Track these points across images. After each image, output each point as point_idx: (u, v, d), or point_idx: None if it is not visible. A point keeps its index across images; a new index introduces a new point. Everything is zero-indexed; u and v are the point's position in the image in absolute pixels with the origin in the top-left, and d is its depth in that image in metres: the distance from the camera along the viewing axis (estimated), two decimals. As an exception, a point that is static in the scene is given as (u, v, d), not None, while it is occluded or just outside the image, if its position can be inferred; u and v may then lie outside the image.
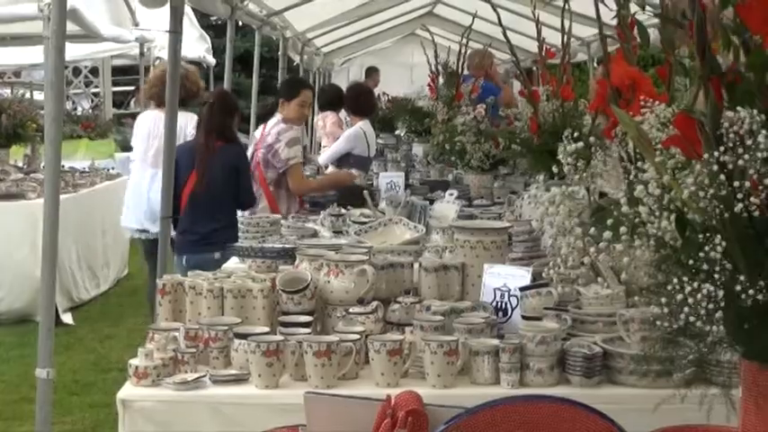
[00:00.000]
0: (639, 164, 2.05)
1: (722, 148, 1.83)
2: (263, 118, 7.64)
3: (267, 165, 6.63)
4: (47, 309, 4.45)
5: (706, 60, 1.89)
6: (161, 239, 6.42)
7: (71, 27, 6.43)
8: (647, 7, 2.17)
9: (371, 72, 16.74)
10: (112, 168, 12.05)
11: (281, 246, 4.30)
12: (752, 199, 1.81)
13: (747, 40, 1.90)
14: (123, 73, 18.26)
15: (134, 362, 3.20)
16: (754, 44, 1.89)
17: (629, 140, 2.18)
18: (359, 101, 8.86)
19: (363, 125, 8.63)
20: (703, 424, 2.40)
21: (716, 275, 1.83)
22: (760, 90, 1.88)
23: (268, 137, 6.67)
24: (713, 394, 2.20)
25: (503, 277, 3.62)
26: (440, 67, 9.67)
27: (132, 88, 17.21)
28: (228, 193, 6.19)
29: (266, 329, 3.36)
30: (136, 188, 7.50)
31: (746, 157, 1.81)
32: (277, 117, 6.80)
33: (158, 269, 6.30)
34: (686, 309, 1.83)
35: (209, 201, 6.16)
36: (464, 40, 9.08)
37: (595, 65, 11.65)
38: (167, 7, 6.18)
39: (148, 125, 7.51)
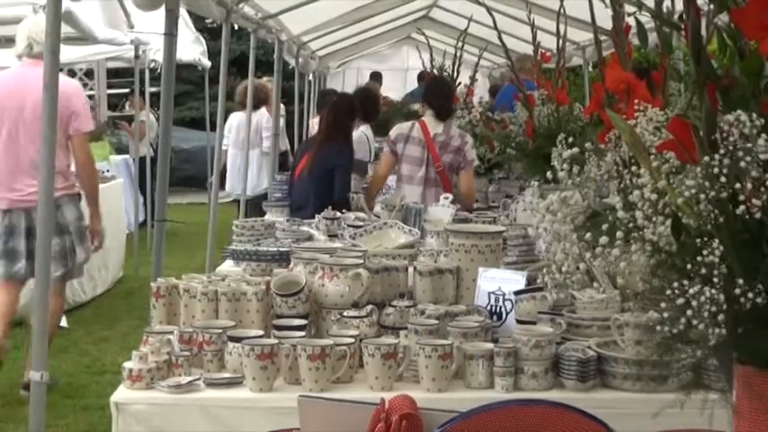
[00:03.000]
0: (634, 168, 2.05)
1: (722, 151, 1.84)
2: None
3: (451, 169, 6.69)
4: (41, 312, 4.44)
5: (701, 65, 1.90)
6: (156, 241, 6.41)
7: (66, 29, 6.42)
8: (642, 10, 2.17)
9: (375, 77, 16.69)
10: (107, 171, 12.04)
11: (275, 249, 4.30)
12: (754, 201, 1.81)
13: (742, 45, 1.91)
14: (118, 75, 18.24)
15: (128, 365, 3.19)
16: (748, 49, 1.90)
17: (624, 145, 2.18)
18: (364, 105, 8.85)
19: (365, 129, 8.64)
20: (697, 428, 2.40)
21: (714, 279, 1.83)
22: (754, 95, 1.88)
23: (452, 140, 6.69)
24: (711, 399, 2.20)
25: (497, 281, 3.63)
26: (435, 71, 9.68)
27: (127, 91, 17.18)
28: (326, 185, 6.53)
29: (260, 333, 3.36)
30: (233, 165, 11.02)
31: (748, 159, 1.81)
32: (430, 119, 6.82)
33: (154, 271, 6.29)
34: (689, 312, 1.84)
35: (310, 186, 6.62)
36: (459, 44, 9.10)
37: (590, 69, 11.67)
38: (162, 10, 6.17)
39: (238, 120, 10.86)
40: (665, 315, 1.88)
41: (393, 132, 6.99)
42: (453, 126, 6.85)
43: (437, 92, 7.01)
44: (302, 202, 6.53)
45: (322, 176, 6.65)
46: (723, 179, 1.82)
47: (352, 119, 7.14)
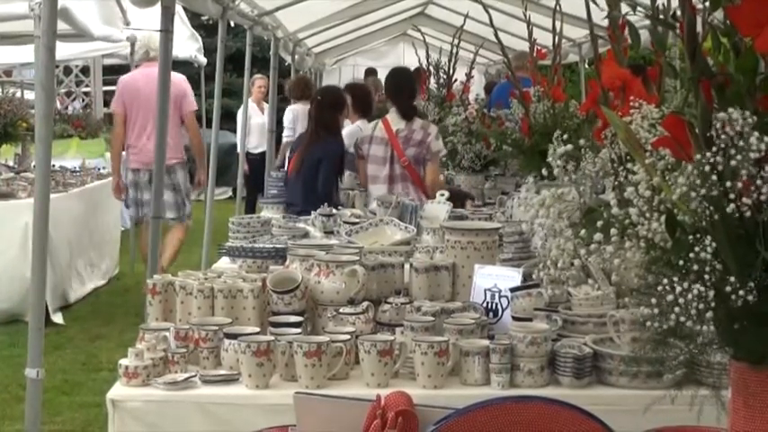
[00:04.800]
0: (629, 165, 2.05)
1: (714, 149, 1.84)
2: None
3: (417, 162, 6.67)
4: (36, 308, 4.44)
5: (696, 62, 1.90)
6: (152, 239, 6.41)
7: (62, 26, 6.42)
8: (638, 8, 2.17)
9: (370, 73, 16.65)
10: (103, 168, 12.03)
11: (271, 246, 4.30)
12: (744, 199, 1.81)
13: (737, 42, 1.91)
14: (114, 72, 18.23)
15: (124, 362, 3.19)
16: (744, 46, 1.90)
17: (620, 142, 2.19)
18: (355, 101, 8.85)
19: (361, 124, 8.63)
20: (693, 425, 2.41)
21: (706, 276, 1.84)
22: (749, 92, 1.89)
23: (414, 133, 6.66)
24: (703, 395, 2.21)
25: (493, 278, 3.63)
26: (431, 68, 9.68)
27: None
28: (315, 182, 6.59)
29: (256, 330, 3.36)
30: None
31: (739, 157, 1.81)
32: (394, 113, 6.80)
33: (149, 269, 6.29)
34: (677, 309, 1.84)
35: (299, 183, 6.61)
36: (455, 41, 9.11)
37: (586, 66, 11.68)
38: (158, 7, 6.17)
39: (294, 113, 11.16)
40: (656, 311, 1.88)
41: (360, 135, 7.03)
42: (416, 119, 6.81)
43: (398, 92, 6.94)
44: (293, 199, 6.55)
45: (309, 173, 6.68)
46: (715, 177, 1.83)
47: (337, 113, 7.13)
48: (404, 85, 7.01)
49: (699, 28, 1.92)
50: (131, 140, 8.89)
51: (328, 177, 6.69)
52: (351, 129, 8.54)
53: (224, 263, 4.65)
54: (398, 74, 7.36)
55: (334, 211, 5.33)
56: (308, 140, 6.91)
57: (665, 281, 1.86)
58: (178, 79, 8.89)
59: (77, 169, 10.83)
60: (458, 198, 6.18)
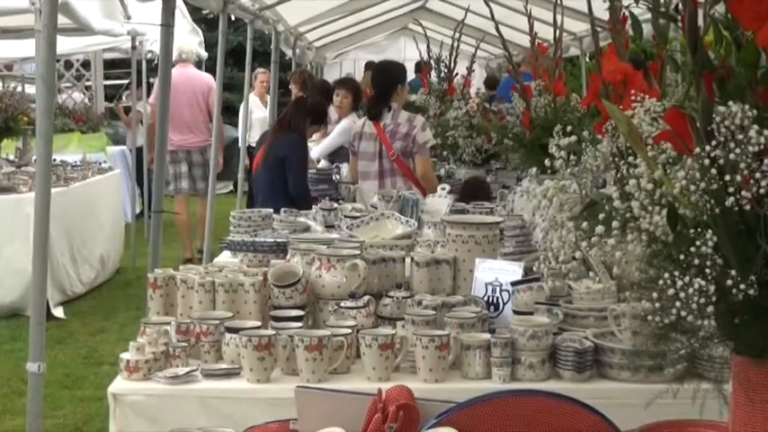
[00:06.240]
0: (631, 159, 2.05)
1: (713, 143, 1.84)
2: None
3: (405, 155, 6.64)
4: (38, 303, 4.45)
5: (697, 56, 1.90)
6: (153, 232, 6.42)
7: (63, 20, 6.42)
8: (640, 0, 2.17)
9: (371, 68, 16.60)
10: (104, 162, 12.03)
11: (273, 240, 4.30)
12: (743, 192, 1.81)
13: (739, 35, 1.91)
14: (115, 66, 18.22)
15: (125, 356, 3.19)
16: (745, 40, 1.90)
17: (621, 135, 2.18)
18: (357, 97, 8.84)
19: (353, 117, 8.61)
20: (694, 419, 2.40)
21: (707, 270, 1.83)
22: (751, 86, 1.88)
23: (399, 127, 6.64)
24: (705, 389, 2.21)
25: (494, 272, 3.63)
26: (432, 62, 9.67)
27: (127, 81, 17.12)
28: (280, 180, 6.54)
29: (258, 324, 3.36)
30: None
31: (738, 151, 1.81)
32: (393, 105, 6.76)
33: (151, 262, 6.29)
34: (678, 303, 1.84)
35: (265, 183, 6.70)
36: (456, 35, 9.10)
37: (587, 59, 11.66)
38: (159, 1, 6.17)
39: None
40: (657, 305, 1.88)
41: (351, 132, 7.03)
42: (401, 112, 6.79)
43: (374, 87, 6.99)
44: (257, 192, 6.57)
45: (273, 166, 6.69)
46: (714, 171, 1.82)
47: (303, 118, 7.12)
48: (378, 82, 7.01)
49: (700, 21, 1.92)
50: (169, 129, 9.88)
51: (300, 176, 6.67)
52: (347, 124, 8.52)
53: (225, 257, 4.65)
54: (378, 69, 7.35)
55: (335, 205, 5.33)
56: (273, 134, 6.98)
57: (667, 275, 1.86)
58: (206, 77, 11.41)
59: (78, 163, 10.83)
60: (479, 188, 6.18)
